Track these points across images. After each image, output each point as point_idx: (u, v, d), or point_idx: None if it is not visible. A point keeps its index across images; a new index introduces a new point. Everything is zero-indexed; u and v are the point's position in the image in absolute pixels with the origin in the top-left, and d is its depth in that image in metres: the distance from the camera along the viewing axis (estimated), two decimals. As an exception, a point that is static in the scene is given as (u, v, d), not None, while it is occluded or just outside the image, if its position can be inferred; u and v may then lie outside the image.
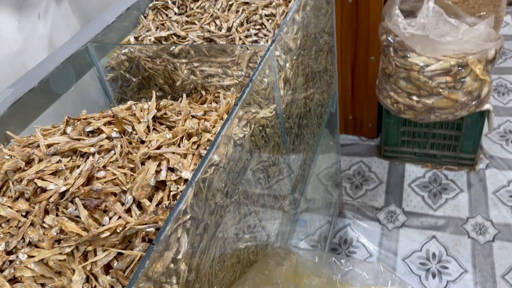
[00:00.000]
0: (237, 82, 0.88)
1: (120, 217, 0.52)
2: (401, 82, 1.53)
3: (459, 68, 1.43)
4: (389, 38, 1.48)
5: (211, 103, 0.84)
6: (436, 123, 1.69)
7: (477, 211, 1.63)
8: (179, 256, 0.51)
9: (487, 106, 1.57)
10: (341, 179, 1.76)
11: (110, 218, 0.52)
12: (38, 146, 0.61)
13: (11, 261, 0.51)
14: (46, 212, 0.53)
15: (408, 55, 1.46)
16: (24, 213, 0.54)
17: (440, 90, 1.47)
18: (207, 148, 0.63)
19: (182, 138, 0.64)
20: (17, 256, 0.51)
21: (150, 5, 1.04)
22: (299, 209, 1.12)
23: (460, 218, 1.62)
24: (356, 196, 1.77)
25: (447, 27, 1.37)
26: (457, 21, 1.40)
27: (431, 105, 1.52)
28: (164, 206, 0.53)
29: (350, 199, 1.77)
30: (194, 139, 0.64)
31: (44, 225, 0.52)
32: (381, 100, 1.67)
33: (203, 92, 0.88)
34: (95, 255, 0.50)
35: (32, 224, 0.52)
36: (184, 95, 0.80)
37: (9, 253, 0.52)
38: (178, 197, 0.55)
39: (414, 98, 1.54)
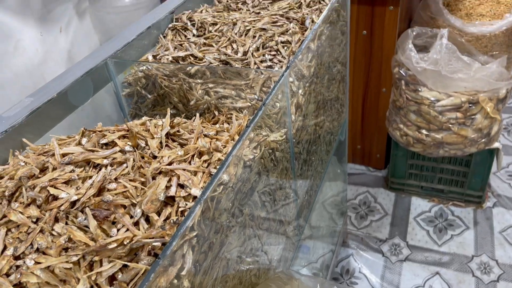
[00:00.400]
0: (250, 105, 0.89)
1: (128, 229, 0.53)
2: (411, 115, 1.54)
3: (470, 105, 1.44)
4: (401, 71, 1.50)
5: (223, 124, 0.85)
6: (445, 158, 1.69)
7: (483, 250, 1.61)
8: (183, 273, 0.52)
9: (496, 145, 1.57)
10: (347, 208, 1.75)
11: (118, 230, 0.53)
12: (53, 154, 0.62)
13: (18, 266, 0.52)
14: (56, 220, 0.54)
15: (420, 89, 1.47)
16: (34, 220, 0.55)
17: (450, 125, 1.47)
18: (217, 167, 0.64)
19: (193, 156, 0.65)
20: (24, 262, 0.51)
21: (170, 25, 1.07)
22: (303, 235, 1.12)
23: (465, 256, 1.60)
24: (361, 226, 1.76)
25: (459, 64, 1.38)
26: (469, 59, 1.42)
27: (440, 139, 1.52)
28: (172, 221, 0.54)
29: (355, 229, 1.75)
30: (205, 157, 0.65)
31: (53, 232, 0.53)
32: (390, 131, 1.68)
33: (216, 113, 0.89)
34: (101, 265, 0.50)
35: (41, 231, 0.53)
36: (198, 114, 0.82)
37: (16, 258, 0.52)
38: (186, 213, 0.56)
39: (424, 131, 1.54)
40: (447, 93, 1.45)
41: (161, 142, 0.67)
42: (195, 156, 0.66)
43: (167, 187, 0.58)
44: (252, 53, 0.96)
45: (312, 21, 1.03)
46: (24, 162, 0.62)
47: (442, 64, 1.39)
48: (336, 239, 1.57)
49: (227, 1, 1.19)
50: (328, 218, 1.48)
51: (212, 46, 0.99)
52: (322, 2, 1.12)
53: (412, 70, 1.45)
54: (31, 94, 0.79)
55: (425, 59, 1.44)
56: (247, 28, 1.03)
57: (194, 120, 0.80)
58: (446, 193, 1.80)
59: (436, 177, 1.77)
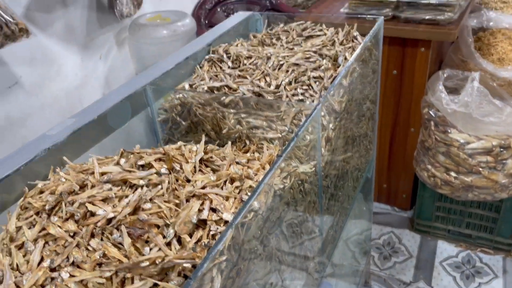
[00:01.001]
0: (280, 136, 0.91)
1: (160, 249, 0.54)
2: (440, 157, 1.53)
3: (501, 150, 1.42)
4: (431, 112, 1.50)
5: (253, 153, 0.87)
6: (473, 202, 1.65)
7: (512, 301, 1.54)
8: (211, 296, 0.52)
9: (528, 191, 1.53)
10: (370, 248, 1.72)
11: (150, 249, 0.54)
12: (92, 173, 0.65)
13: (53, 278, 0.53)
14: (92, 235, 0.56)
15: (449, 131, 1.47)
16: (71, 234, 0.56)
17: (480, 169, 1.45)
18: (249, 194, 0.65)
19: (225, 181, 0.67)
20: (59, 274, 0.53)
21: (207, 57, 1.11)
22: (325, 272, 1.10)
23: (494, 306, 1.53)
24: (384, 267, 1.72)
25: (491, 107, 1.38)
26: (501, 103, 1.41)
27: (469, 183, 1.50)
28: (203, 244, 0.55)
29: (378, 269, 1.71)
30: (237, 184, 0.67)
31: (89, 247, 0.55)
32: (417, 172, 1.66)
33: (247, 142, 0.91)
34: (132, 282, 0.51)
35: (77, 245, 0.55)
36: (229, 143, 0.84)
37: (52, 270, 0.54)
38: (217, 237, 0.57)
39: (452, 174, 1.52)
40: (477, 136, 1.43)
41: (195, 167, 0.69)
42: (227, 182, 0.67)
43: (200, 210, 0.59)
44: (284, 87, 0.99)
45: (345, 58, 1.05)
46: (64, 178, 0.64)
47: (473, 107, 1.38)
48: (358, 278, 1.54)
49: (262, 36, 1.23)
50: (350, 257, 1.46)
51: (246, 78, 1.02)
52: (355, 40, 1.15)
53: (442, 111, 1.45)
54: (74, 115, 0.83)
55: (456, 101, 1.44)
56: (281, 62, 1.06)
57: (226, 148, 0.82)
58: (474, 238, 1.75)
59: (464, 221, 1.73)
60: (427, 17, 1.48)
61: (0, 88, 1.26)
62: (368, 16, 1.34)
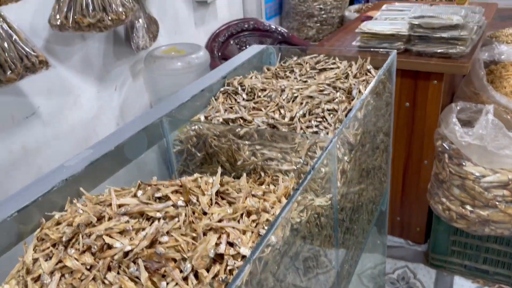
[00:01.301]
0: (295, 168, 0.91)
1: (177, 283, 0.53)
2: (455, 190, 1.51)
3: (518, 183, 1.39)
4: (445, 145, 1.49)
5: (268, 185, 0.86)
6: (490, 236, 1.62)
7: None
8: (229, 333, 0.51)
9: (546, 226, 1.49)
10: (384, 283, 1.67)
11: (167, 284, 0.53)
12: (109, 204, 0.65)
13: (68, 312, 0.52)
14: (109, 268, 0.55)
15: (464, 164, 1.45)
16: (88, 267, 0.56)
17: (497, 203, 1.43)
18: (266, 227, 0.65)
19: (242, 214, 0.66)
20: (75, 308, 0.52)
21: (222, 89, 1.13)
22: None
23: None
24: (399, 304, 1.67)
25: (506, 140, 1.37)
26: (516, 136, 1.40)
27: (485, 217, 1.47)
28: (220, 279, 0.54)
29: (392, 306, 1.67)
30: (253, 217, 0.66)
31: (105, 281, 0.54)
32: (432, 205, 1.64)
33: (262, 174, 0.91)
34: (149, 318, 0.50)
35: (94, 279, 0.54)
36: (244, 175, 0.83)
37: (68, 304, 0.53)
38: (234, 272, 0.56)
39: (468, 207, 1.50)
40: (493, 169, 1.42)
41: (211, 199, 0.68)
42: (244, 215, 0.66)
43: (217, 244, 0.58)
44: (298, 119, 0.99)
45: (359, 91, 1.06)
46: (82, 210, 0.64)
47: (488, 140, 1.37)
48: (373, 315, 1.50)
49: (276, 69, 1.25)
50: (365, 292, 1.42)
51: (260, 110, 1.03)
52: (368, 73, 1.16)
53: (456, 144, 1.44)
54: (91, 146, 0.84)
55: (470, 133, 1.43)
56: (295, 95, 1.07)
57: (241, 180, 0.82)
58: (491, 274, 1.70)
59: (480, 256, 1.68)
60: (439, 51, 1.50)
61: (18, 118, 1.29)
62: (381, 49, 1.36)
